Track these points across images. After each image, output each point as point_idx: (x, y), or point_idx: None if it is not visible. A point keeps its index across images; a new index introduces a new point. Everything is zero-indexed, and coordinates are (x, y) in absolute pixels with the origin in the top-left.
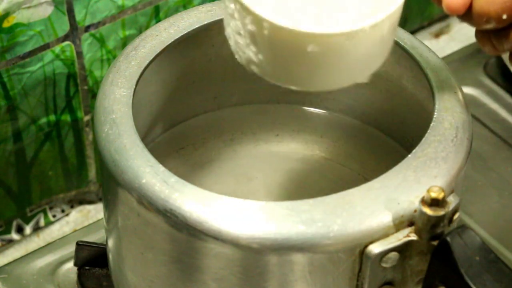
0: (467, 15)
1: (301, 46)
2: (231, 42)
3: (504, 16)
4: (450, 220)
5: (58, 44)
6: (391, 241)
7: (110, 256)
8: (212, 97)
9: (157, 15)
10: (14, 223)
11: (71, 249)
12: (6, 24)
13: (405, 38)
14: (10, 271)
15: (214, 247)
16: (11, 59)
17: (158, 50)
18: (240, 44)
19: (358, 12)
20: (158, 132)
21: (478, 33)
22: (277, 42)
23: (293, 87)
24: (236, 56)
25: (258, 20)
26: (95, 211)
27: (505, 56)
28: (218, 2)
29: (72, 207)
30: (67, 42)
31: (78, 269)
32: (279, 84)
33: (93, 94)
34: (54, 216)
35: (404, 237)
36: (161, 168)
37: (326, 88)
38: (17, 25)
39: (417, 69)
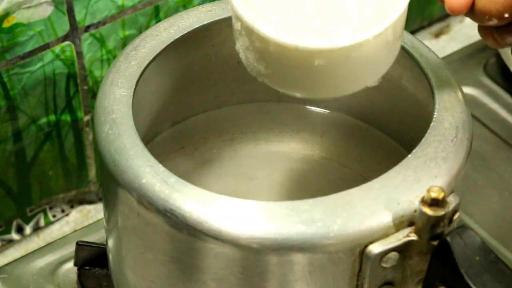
0: (470, 12)
1: (307, 61)
2: (242, 56)
3: (506, 15)
4: (450, 220)
5: (58, 44)
6: (391, 241)
7: (110, 256)
8: (212, 97)
9: (157, 15)
10: (14, 223)
11: (71, 249)
12: (6, 24)
13: (405, 38)
14: (10, 271)
15: (214, 247)
16: (11, 59)
17: (158, 50)
18: (250, 58)
19: (361, 21)
20: (158, 132)
21: (481, 28)
22: (284, 58)
23: (303, 96)
24: (248, 69)
25: (263, 39)
26: (95, 211)
27: (505, 56)
28: (218, 2)
29: (72, 207)
30: (67, 42)
31: (78, 269)
32: (289, 94)
33: (93, 94)
34: (54, 216)
35: (404, 237)
36: (161, 168)
37: (336, 95)
38: (17, 25)
39: (417, 69)
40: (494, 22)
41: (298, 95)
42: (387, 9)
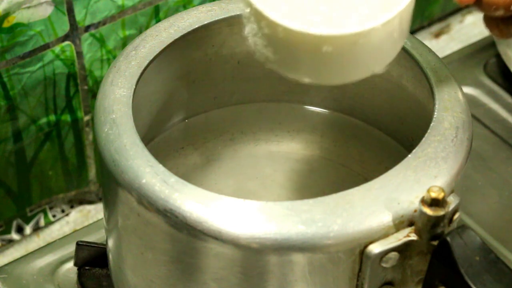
0: (477, 2)
1: (315, 47)
2: (250, 42)
3: None
4: (450, 220)
5: (58, 44)
6: (391, 241)
7: (110, 256)
8: (212, 97)
9: (157, 15)
10: (14, 223)
11: (71, 249)
12: (6, 24)
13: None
14: (10, 271)
15: (214, 247)
16: (11, 59)
17: (158, 50)
18: (258, 44)
19: (370, 8)
20: (158, 132)
21: (486, 18)
22: (292, 44)
23: (311, 82)
24: (256, 55)
25: (272, 25)
26: (95, 211)
27: (505, 56)
28: (218, 2)
29: (72, 207)
30: (67, 42)
31: (78, 269)
32: (297, 80)
33: (93, 94)
34: (54, 216)
35: (404, 237)
36: (161, 168)
37: (343, 81)
38: (17, 25)
39: (417, 69)
40: (500, 13)
41: (305, 80)
42: None
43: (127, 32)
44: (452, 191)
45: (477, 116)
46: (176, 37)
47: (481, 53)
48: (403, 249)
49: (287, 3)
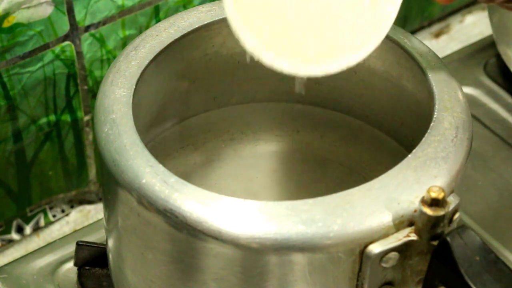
0: None
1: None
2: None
3: None
4: (450, 220)
5: (58, 44)
6: (391, 241)
7: (110, 256)
8: (212, 97)
9: (157, 15)
10: (14, 223)
11: (71, 249)
12: (6, 24)
13: (405, 38)
14: (10, 271)
15: (214, 247)
16: (11, 59)
17: (158, 50)
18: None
19: (353, 38)
20: (158, 132)
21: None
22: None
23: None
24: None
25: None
26: (95, 211)
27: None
28: (218, 2)
29: (72, 207)
30: (67, 42)
31: (78, 269)
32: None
33: (93, 94)
34: (54, 216)
35: (404, 237)
36: (161, 168)
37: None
38: (17, 25)
39: (417, 69)
40: (498, 0)
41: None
42: (377, 22)
43: (127, 32)
44: (452, 191)
45: (477, 116)
46: (176, 37)
47: (481, 53)
48: (403, 249)
49: (275, 32)
